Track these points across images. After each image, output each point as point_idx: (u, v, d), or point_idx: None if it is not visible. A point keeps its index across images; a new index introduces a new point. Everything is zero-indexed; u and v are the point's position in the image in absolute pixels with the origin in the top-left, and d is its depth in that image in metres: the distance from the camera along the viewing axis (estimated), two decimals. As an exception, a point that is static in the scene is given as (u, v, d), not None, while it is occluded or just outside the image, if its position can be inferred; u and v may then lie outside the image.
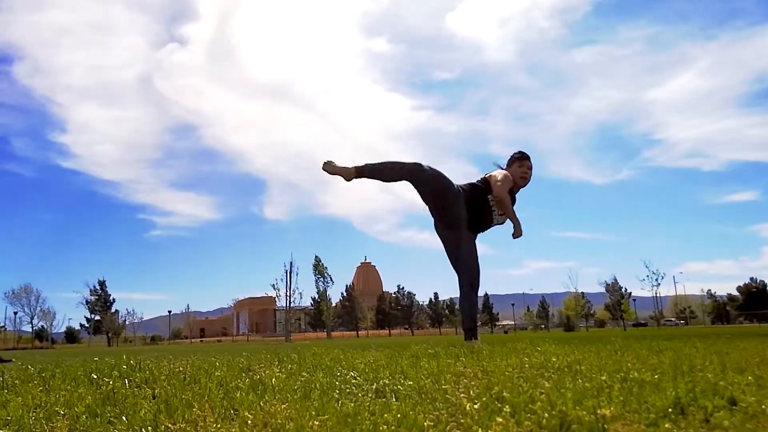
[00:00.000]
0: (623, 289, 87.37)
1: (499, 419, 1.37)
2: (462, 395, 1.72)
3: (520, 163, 5.90)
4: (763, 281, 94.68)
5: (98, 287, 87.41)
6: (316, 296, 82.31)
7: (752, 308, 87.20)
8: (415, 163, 5.46)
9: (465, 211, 5.59)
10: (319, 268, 76.35)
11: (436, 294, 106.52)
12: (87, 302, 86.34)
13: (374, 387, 2.07)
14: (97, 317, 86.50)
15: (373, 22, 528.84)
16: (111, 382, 2.62)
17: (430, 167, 5.48)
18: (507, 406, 1.51)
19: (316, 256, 76.82)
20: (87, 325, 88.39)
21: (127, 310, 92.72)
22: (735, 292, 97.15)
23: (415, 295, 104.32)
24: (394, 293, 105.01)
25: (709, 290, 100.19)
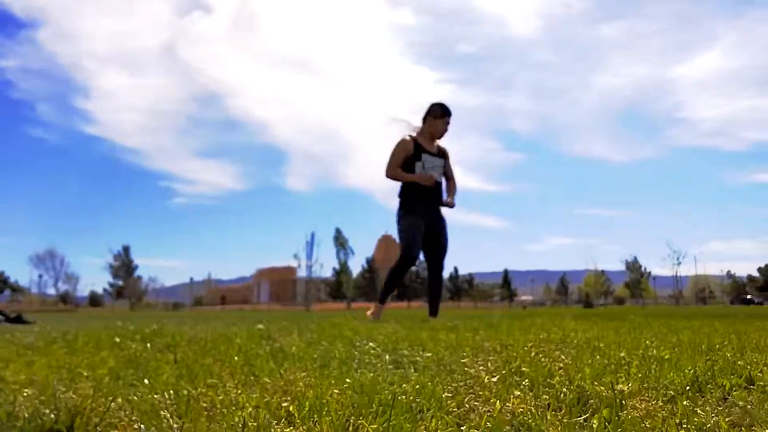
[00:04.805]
0: (643, 268, 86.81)
1: (517, 392, 1.37)
2: (481, 368, 1.73)
3: (445, 120, 6.41)
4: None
5: (122, 253, 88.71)
6: (338, 267, 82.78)
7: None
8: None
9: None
10: (339, 240, 76.71)
11: (456, 268, 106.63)
12: (110, 267, 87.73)
13: (393, 358, 2.09)
14: (120, 282, 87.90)
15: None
16: (133, 346, 2.67)
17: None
18: (525, 380, 1.52)
19: (336, 228, 77.26)
20: (110, 290, 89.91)
21: (149, 276, 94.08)
22: (755, 273, 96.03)
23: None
24: (415, 266, 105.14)
25: (729, 270, 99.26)
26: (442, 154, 6.40)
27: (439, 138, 6.41)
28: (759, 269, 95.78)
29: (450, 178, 6.50)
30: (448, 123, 6.35)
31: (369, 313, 6.19)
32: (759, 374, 1.57)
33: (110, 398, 1.31)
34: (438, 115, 6.32)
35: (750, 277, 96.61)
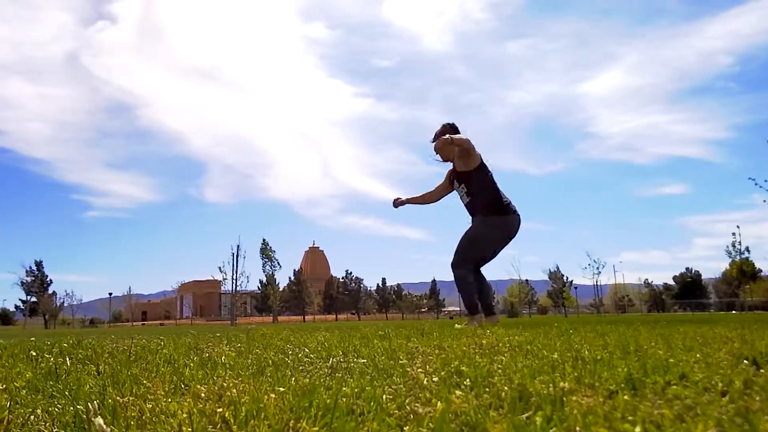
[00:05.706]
0: (565, 278, 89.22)
1: (458, 392, 1.35)
2: (419, 370, 1.71)
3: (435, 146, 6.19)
4: (698, 271, 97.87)
5: (34, 268, 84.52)
6: (264, 280, 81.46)
7: (687, 297, 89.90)
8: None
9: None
10: (266, 252, 75.54)
11: (383, 279, 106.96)
12: (23, 283, 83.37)
13: (328, 364, 2.04)
14: (34, 299, 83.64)
15: (309, 6, 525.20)
16: (51, 359, 2.53)
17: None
18: (466, 380, 1.51)
19: (263, 239, 75.91)
20: (22, 306, 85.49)
21: (65, 291, 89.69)
22: (671, 282, 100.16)
23: (362, 280, 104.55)
24: (342, 278, 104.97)
25: (646, 279, 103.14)
26: (464, 172, 6.08)
27: (446, 161, 6.25)
28: (674, 278, 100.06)
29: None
30: (435, 147, 6.09)
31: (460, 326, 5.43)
32: (692, 372, 1.60)
33: (29, 410, 1.22)
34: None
35: (666, 286, 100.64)
